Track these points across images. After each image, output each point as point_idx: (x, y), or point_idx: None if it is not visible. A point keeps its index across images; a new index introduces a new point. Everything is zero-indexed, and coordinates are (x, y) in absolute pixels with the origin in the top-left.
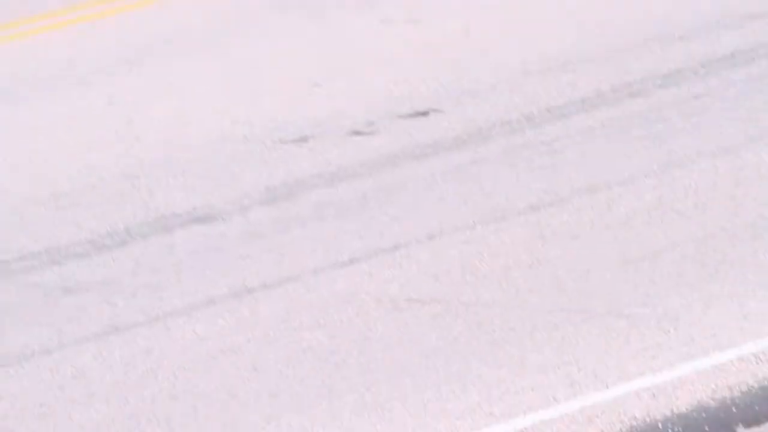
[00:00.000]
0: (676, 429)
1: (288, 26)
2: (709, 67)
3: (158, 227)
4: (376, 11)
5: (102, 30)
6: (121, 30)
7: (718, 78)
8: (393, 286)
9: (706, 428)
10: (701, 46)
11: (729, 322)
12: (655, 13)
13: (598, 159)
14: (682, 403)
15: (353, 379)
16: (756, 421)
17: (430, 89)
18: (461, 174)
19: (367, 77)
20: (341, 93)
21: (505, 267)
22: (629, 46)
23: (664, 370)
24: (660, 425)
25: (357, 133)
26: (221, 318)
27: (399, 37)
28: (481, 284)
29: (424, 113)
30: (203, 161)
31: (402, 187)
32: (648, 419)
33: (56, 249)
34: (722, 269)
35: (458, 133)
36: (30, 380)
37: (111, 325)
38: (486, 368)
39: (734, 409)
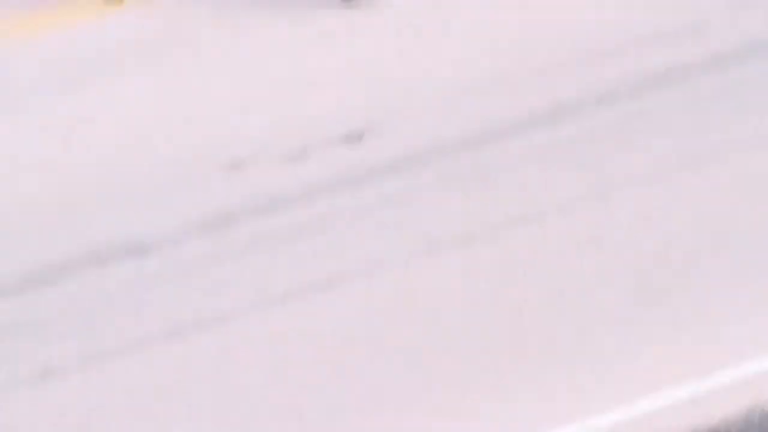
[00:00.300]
0: None
1: (223, 46)
2: (644, 85)
3: (93, 260)
4: (313, 28)
5: (36, 48)
6: (60, 48)
7: (653, 96)
8: (328, 323)
9: None
10: (636, 64)
11: (661, 365)
12: (589, 30)
13: (533, 184)
14: None
15: (289, 428)
16: None
17: (365, 112)
18: (396, 201)
19: (302, 100)
20: (275, 117)
21: (439, 303)
22: (564, 64)
23: (597, 417)
24: None
25: (291, 159)
26: (155, 359)
27: (334, 56)
28: (416, 321)
29: (359, 137)
30: (138, 190)
31: (338, 216)
32: None
33: None
34: (656, 305)
35: (393, 157)
36: None
37: (45, 369)
38: (419, 417)
39: None
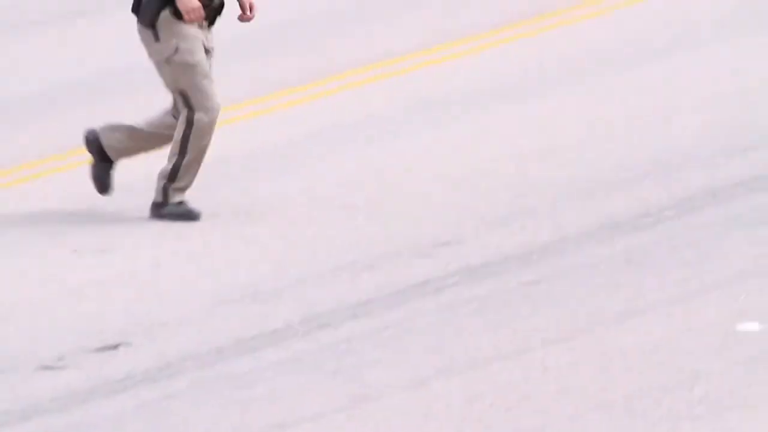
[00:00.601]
0: None
1: None
2: (400, 296)
3: None
4: (68, 242)
5: None
6: None
7: (409, 307)
8: None
9: None
10: (392, 275)
11: None
12: (343, 242)
13: (289, 394)
14: None
15: None
16: None
17: (120, 321)
18: (151, 411)
19: (57, 309)
20: (31, 326)
21: None
22: (319, 275)
23: None
24: None
25: (47, 367)
26: None
27: (90, 269)
28: None
29: (114, 347)
30: None
31: (92, 426)
32: None
33: None
34: None
35: (148, 367)
36: None
37: None
38: None
39: None
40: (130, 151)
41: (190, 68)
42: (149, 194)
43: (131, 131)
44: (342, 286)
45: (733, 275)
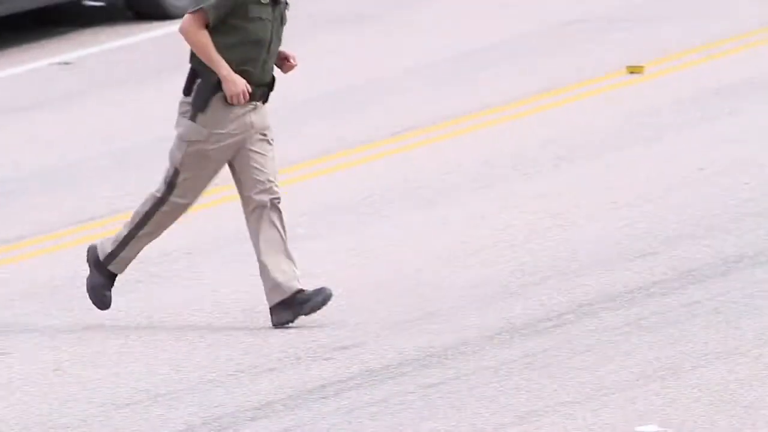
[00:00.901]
0: None
1: None
2: (299, 399)
3: None
4: None
5: None
6: None
7: (309, 410)
8: None
9: None
10: (291, 378)
11: None
12: (243, 345)
13: None
14: None
15: None
16: None
17: (20, 425)
18: None
19: None
20: None
21: None
22: (219, 378)
23: None
24: None
25: None
26: None
27: None
28: None
29: None
30: None
31: None
32: None
33: None
34: None
35: None
36: None
37: None
38: None
39: None
40: (286, 260)
41: (203, 159)
42: (51, 298)
43: (268, 249)
44: (242, 389)
45: (632, 378)
